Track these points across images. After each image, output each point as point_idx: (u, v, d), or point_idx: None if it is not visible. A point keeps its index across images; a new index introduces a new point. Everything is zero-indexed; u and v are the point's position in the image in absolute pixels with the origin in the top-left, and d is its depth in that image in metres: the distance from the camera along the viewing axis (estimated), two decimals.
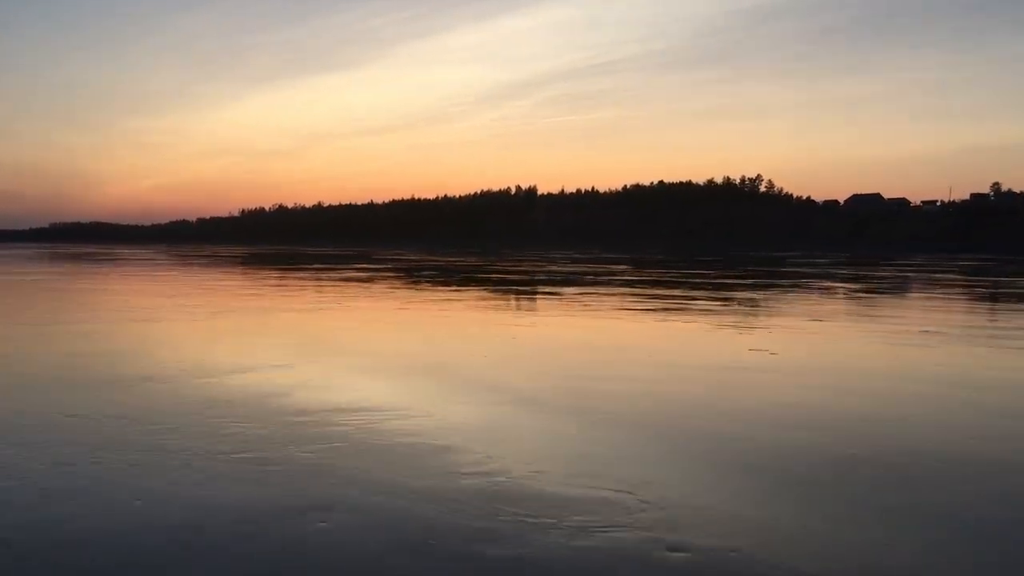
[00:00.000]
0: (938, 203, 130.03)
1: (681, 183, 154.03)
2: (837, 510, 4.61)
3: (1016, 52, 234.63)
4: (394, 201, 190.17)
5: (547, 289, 24.85)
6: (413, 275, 34.21)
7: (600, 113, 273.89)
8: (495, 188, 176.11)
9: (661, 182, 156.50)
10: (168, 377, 8.51)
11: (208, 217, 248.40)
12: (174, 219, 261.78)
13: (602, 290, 23.88)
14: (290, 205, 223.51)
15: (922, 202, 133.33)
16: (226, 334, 12.92)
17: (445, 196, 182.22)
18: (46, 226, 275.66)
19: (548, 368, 9.49)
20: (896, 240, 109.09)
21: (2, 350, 10.74)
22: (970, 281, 31.27)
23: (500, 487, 4.92)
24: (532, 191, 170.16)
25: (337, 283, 27.80)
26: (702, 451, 5.86)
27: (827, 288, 26.07)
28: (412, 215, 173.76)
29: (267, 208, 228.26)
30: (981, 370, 9.80)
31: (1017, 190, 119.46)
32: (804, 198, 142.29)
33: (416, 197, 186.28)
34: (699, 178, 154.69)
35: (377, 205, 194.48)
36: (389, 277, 31.87)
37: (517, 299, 21.48)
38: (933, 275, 36.22)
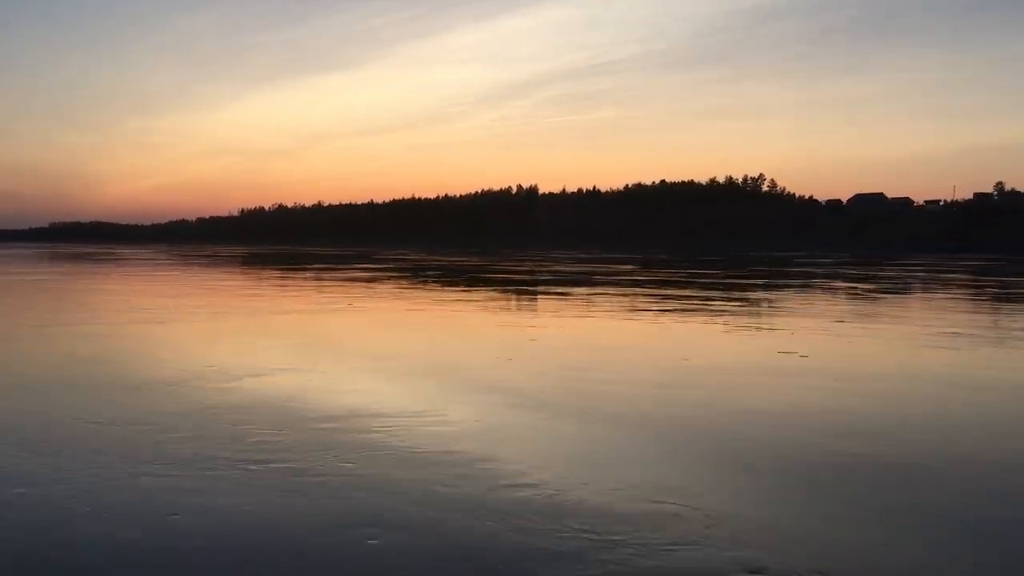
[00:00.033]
0: (941, 203, 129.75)
1: (683, 182, 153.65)
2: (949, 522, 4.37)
3: (1016, 52, 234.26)
4: (394, 201, 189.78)
5: (556, 289, 24.59)
6: (418, 275, 33.95)
7: (600, 113, 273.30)
8: (496, 188, 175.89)
9: (663, 181, 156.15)
10: (186, 380, 8.25)
11: (208, 217, 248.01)
12: (174, 219, 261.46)
13: (612, 290, 23.62)
14: (290, 205, 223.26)
15: (925, 202, 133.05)
16: (237, 335, 12.66)
17: (446, 196, 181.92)
18: (46, 226, 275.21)
19: (572, 371, 9.23)
20: (896, 240, 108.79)
21: (13, 353, 10.47)
22: (981, 281, 31.02)
23: (552, 500, 4.66)
24: (533, 191, 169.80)
25: (342, 283, 27.54)
26: (754, 461, 5.60)
27: (839, 288, 25.81)
28: (413, 215, 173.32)
29: (267, 208, 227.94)
30: None
31: (1021, 189, 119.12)
32: (807, 198, 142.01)
33: (416, 197, 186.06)
34: (700, 178, 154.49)
35: (377, 205, 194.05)
36: (394, 277, 31.61)
37: (528, 300, 21.22)
38: (942, 275, 35.98)
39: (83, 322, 14.14)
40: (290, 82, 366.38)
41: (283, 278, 31.20)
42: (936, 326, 14.16)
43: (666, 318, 15.61)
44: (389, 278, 30.71)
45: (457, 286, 26.27)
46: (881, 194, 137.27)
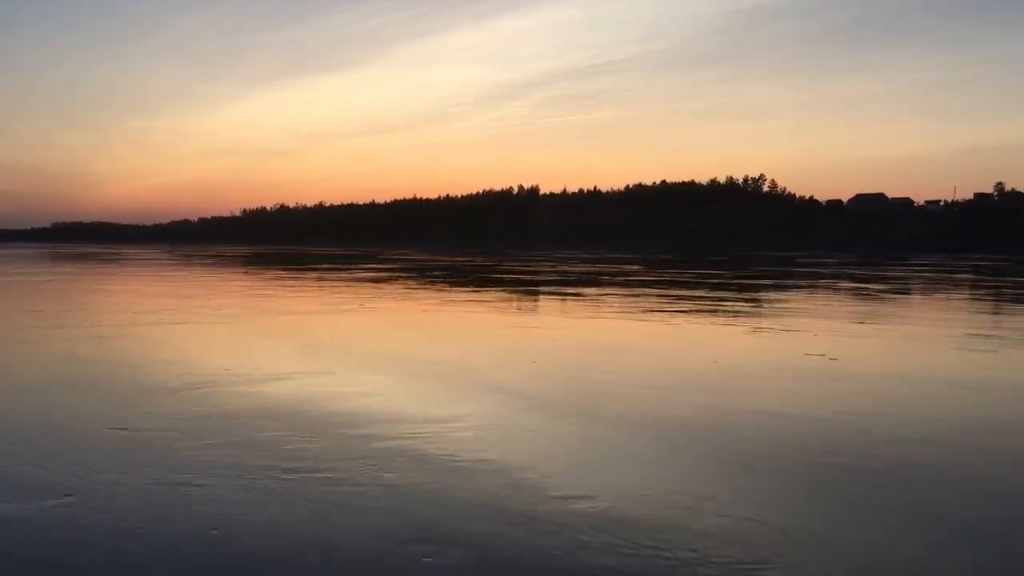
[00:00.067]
0: (941, 203, 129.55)
1: (684, 183, 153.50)
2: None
3: (1016, 52, 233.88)
4: (396, 201, 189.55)
5: (566, 290, 24.38)
6: (426, 275, 33.74)
7: (600, 113, 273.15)
8: (496, 188, 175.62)
9: (664, 182, 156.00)
10: (208, 383, 8.04)
11: (210, 217, 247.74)
12: (175, 219, 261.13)
13: (623, 291, 23.41)
14: (292, 205, 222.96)
15: (926, 202, 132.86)
16: (254, 337, 12.45)
17: (447, 196, 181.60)
18: (48, 226, 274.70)
19: (601, 375, 9.02)
20: (896, 240, 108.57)
21: (30, 356, 10.26)
22: (990, 282, 30.81)
23: (609, 514, 4.45)
24: (534, 191, 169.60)
25: (351, 284, 27.33)
26: (819, 472, 5.39)
27: (850, 289, 25.60)
28: (414, 215, 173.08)
29: (269, 208, 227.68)
30: None
31: (1021, 189, 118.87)
32: (807, 198, 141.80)
33: (418, 197, 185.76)
34: (701, 178, 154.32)
35: (379, 205, 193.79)
36: (402, 277, 31.41)
37: (540, 300, 21.01)
38: (950, 275, 35.79)
39: (97, 323, 13.93)
40: (290, 82, 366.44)
41: (291, 278, 30.98)
42: (959, 328, 13.96)
43: (683, 319, 15.40)
44: (396, 278, 30.51)
45: (466, 287, 26.06)
46: (882, 194, 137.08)
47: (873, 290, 25.29)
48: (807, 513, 4.52)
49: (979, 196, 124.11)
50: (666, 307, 17.85)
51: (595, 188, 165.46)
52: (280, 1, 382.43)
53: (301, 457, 5.52)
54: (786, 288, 25.89)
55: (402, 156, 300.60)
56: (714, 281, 29.38)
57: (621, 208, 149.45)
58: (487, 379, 8.67)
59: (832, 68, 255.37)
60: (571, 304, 19.19)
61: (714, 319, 15.58)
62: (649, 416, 6.90)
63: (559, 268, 41.30)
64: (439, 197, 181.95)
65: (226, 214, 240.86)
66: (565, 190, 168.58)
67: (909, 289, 26.36)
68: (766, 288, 25.70)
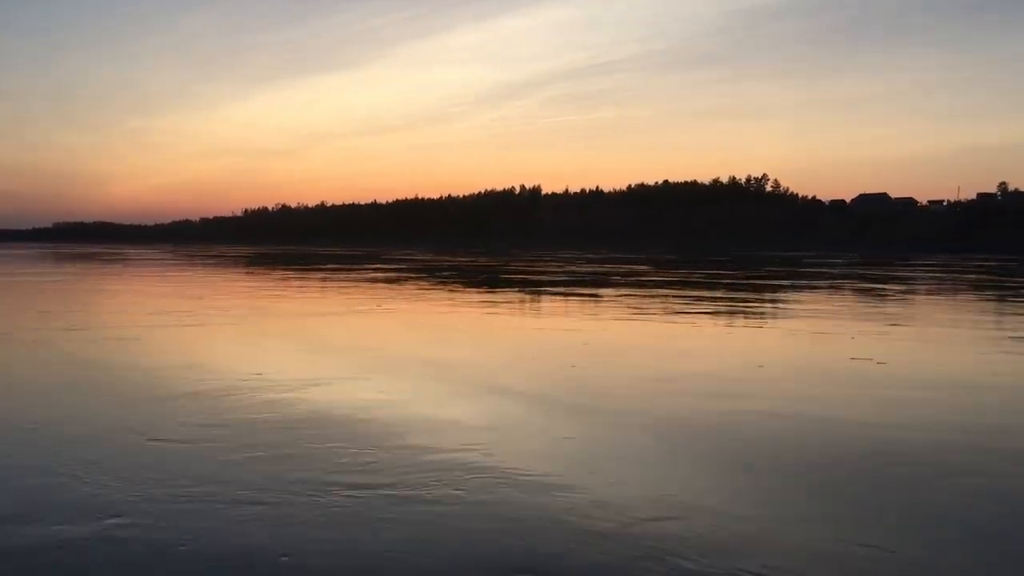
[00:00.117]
0: (944, 203, 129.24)
1: (686, 183, 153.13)
2: None
3: (1016, 52, 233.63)
4: (398, 201, 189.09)
5: (582, 291, 24.04)
6: (435, 276, 33.41)
7: (601, 113, 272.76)
8: (498, 188, 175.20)
9: (666, 181, 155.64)
10: (239, 389, 7.70)
11: (211, 217, 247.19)
12: (176, 219, 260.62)
13: (638, 291, 23.08)
14: (293, 205, 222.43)
15: (929, 202, 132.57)
16: (275, 339, 12.11)
17: (449, 196, 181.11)
18: (49, 226, 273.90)
19: (648, 383, 8.67)
20: (899, 240, 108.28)
21: (47, 360, 9.91)
22: (1007, 282, 30.50)
23: (711, 536, 4.11)
24: (536, 191, 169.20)
25: (360, 284, 26.98)
26: (915, 490, 5.06)
27: (867, 290, 25.28)
28: (417, 215, 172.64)
29: (270, 208, 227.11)
30: None
31: None
32: (810, 198, 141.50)
33: (419, 197, 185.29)
34: (702, 178, 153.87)
35: (381, 205, 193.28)
36: (412, 278, 31.06)
37: (558, 301, 20.64)
38: (963, 276, 35.47)
39: (110, 325, 13.59)
40: (290, 82, 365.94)
41: (299, 279, 30.63)
42: (996, 329, 13.64)
43: (710, 321, 15.07)
44: (406, 279, 30.17)
45: (479, 288, 25.73)
46: (885, 194, 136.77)
47: (891, 291, 24.96)
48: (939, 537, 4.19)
49: (982, 196, 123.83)
50: (689, 309, 17.51)
51: (597, 188, 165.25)
52: (280, 1, 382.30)
53: (359, 471, 5.18)
54: (803, 289, 25.55)
55: (402, 156, 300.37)
56: (728, 282, 29.04)
57: (623, 208, 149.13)
58: (529, 386, 8.33)
59: (833, 68, 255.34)
60: (591, 305, 18.85)
61: (742, 321, 15.25)
62: (727, 430, 6.56)
63: (567, 268, 40.96)
64: (441, 197, 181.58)
65: (227, 214, 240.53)
66: (567, 190, 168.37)
67: (927, 290, 26.03)
68: (783, 289, 25.36)
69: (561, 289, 24.83)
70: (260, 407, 7.02)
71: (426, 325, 14.71)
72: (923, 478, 5.19)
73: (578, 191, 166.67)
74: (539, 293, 23.40)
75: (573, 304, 19.49)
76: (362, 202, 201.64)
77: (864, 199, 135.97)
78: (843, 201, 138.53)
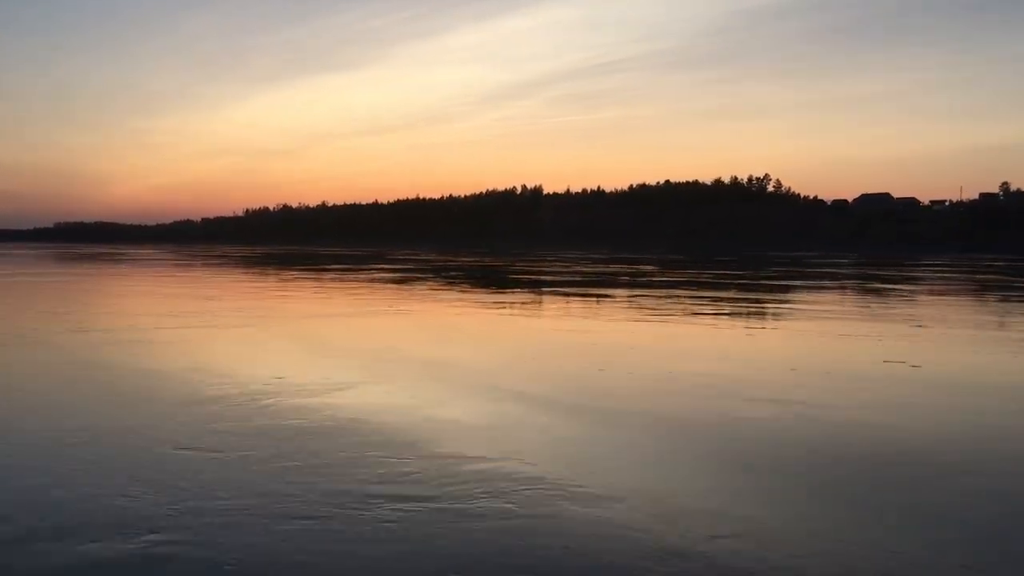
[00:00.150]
0: (947, 203, 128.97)
1: (687, 183, 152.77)
2: None
3: (1017, 52, 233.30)
4: (399, 201, 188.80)
5: (594, 291, 23.81)
6: (443, 276, 33.19)
7: (603, 113, 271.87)
8: (499, 188, 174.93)
9: (667, 181, 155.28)
10: (265, 394, 7.47)
11: (213, 217, 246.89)
12: (177, 219, 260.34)
13: (651, 292, 22.85)
14: (294, 205, 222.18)
15: (931, 202, 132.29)
16: (291, 341, 11.88)
17: (450, 196, 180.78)
18: (50, 226, 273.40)
19: (689, 387, 8.43)
20: (900, 240, 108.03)
21: (62, 364, 9.68)
22: (1017, 282, 30.27)
23: (754, 554, 3.89)
24: (538, 191, 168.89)
25: (369, 285, 26.76)
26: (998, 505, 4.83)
27: (882, 290, 25.05)
28: (419, 215, 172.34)
29: (272, 208, 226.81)
30: None
31: None
32: (812, 198, 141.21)
33: (420, 197, 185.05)
34: (706, 177, 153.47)
35: (383, 205, 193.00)
36: (420, 278, 30.84)
37: (573, 302, 20.42)
38: (973, 276, 35.26)
39: (124, 326, 13.35)
40: (290, 82, 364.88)
41: (308, 279, 30.40)
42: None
43: (731, 322, 14.84)
44: (415, 279, 29.94)
45: (489, 288, 25.51)
46: (887, 194, 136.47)
47: (905, 291, 24.73)
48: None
49: (984, 196, 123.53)
50: (707, 310, 17.28)
51: (598, 188, 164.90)
52: (281, 2, 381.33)
53: (401, 481, 4.94)
54: (816, 289, 25.32)
55: (402, 156, 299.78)
56: (738, 282, 28.83)
57: (624, 208, 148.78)
58: (561, 392, 8.10)
59: (836, 68, 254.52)
60: (608, 306, 18.62)
61: (763, 323, 15.03)
62: (788, 438, 6.33)
63: (573, 269, 40.74)
64: (442, 197, 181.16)
65: (227, 214, 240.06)
66: (568, 190, 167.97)
67: (942, 290, 25.78)
68: (796, 289, 25.12)
69: (574, 290, 24.61)
70: (288, 413, 6.79)
71: (445, 327, 14.47)
72: (977, 487, 4.96)
73: (579, 191, 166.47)
74: (552, 294, 23.18)
75: (590, 306, 19.26)
76: (363, 202, 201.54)
77: (866, 199, 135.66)
78: (845, 201, 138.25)
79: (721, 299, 20.42)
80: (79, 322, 13.92)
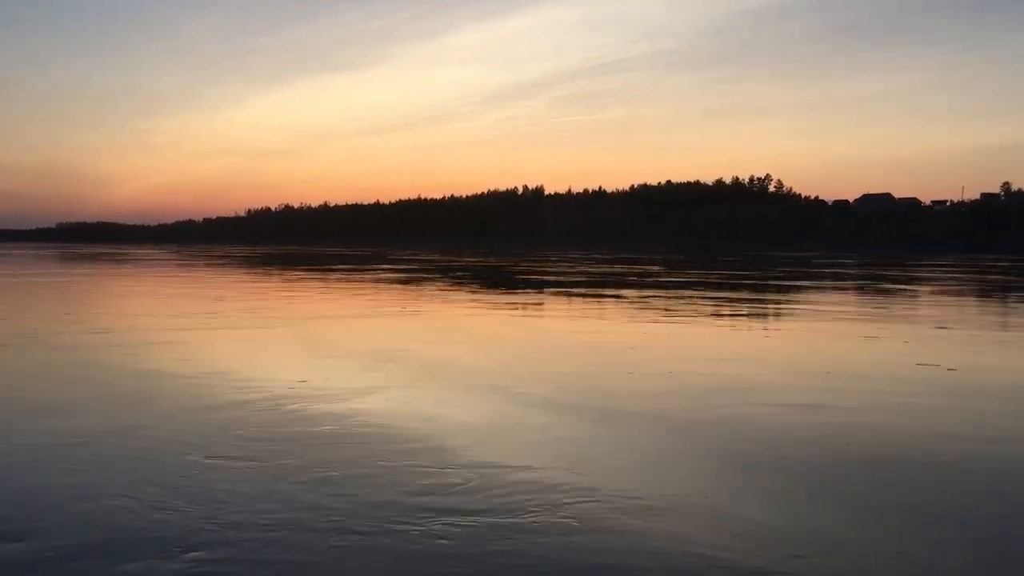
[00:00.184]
0: (948, 203, 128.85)
1: (689, 183, 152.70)
2: None
3: (1017, 52, 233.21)
4: (401, 201, 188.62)
5: (604, 292, 23.58)
6: (449, 276, 32.96)
7: (606, 113, 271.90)
8: (501, 188, 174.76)
9: (669, 182, 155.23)
10: (288, 399, 7.23)
11: (214, 217, 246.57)
12: (179, 219, 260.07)
13: (661, 293, 22.63)
14: (296, 205, 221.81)
15: (932, 202, 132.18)
16: (307, 343, 11.63)
17: (452, 196, 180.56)
18: (52, 226, 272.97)
19: (726, 391, 8.20)
20: (900, 240, 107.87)
21: (84, 367, 9.44)
22: None
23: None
24: (539, 191, 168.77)
25: (376, 285, 26.52)
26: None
27: (895, 291, 24.84)
28: (420, 215, 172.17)
29: (273, 208, 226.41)
30: None
31: None
32: (813, 198, 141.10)
33: (421, 197, 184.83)
34: (707, 178, 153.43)
35: (384, 205, 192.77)
36: (426, 279, 30.61)
37: (585, 303, 20.18)
38: (981, 276, 35.06)
39: (135, 327, 13.10)
40: (291, 83, 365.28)
41: (313, 280, 30.17)
42: None
43: (749, 323, 14.62)
44: (421, 279, 29.72)
45: (497, 288, 25.28)
46: (888, 194, 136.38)
47: (917, 292, 24.53)
48: None
49: (986, 196, 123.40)
50: (722, 310, 17.07)
51: (600, 188, 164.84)
52: (281, 3, 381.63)
53: (447, 493, 4.70)
54: (826, 290, 25.11)
55: (403, 156, 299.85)
56: (749, 283, 28.63)
57: (626, 208, 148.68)
58: (594, 396, 7.88)
59: (838, 68, 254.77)
60: (621, 307, 18.38)
61: (784, 324, 14.81)
62: (829, 445, 6.12)
63: (578, 269, 40.53)
64: (444, 197, 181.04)
65: (228, 214, 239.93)
66: (570, 190, 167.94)
67: (954, 291, 25.56)
68: (807, 290, 24.91)
69: (583, 290, 24.38)
70: (318, 419, 6.56)
71: (461, 329, 14.24)
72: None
73: (581, 191, 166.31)
74: (560, 295, 22.95)
75: (603, 307, 19.03)
76: (364, 202, 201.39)
77: (868, 199, 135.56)
78: (846, 201, 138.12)
79: (733, 300, 20.21)
80: (89, 323, 13.69)
